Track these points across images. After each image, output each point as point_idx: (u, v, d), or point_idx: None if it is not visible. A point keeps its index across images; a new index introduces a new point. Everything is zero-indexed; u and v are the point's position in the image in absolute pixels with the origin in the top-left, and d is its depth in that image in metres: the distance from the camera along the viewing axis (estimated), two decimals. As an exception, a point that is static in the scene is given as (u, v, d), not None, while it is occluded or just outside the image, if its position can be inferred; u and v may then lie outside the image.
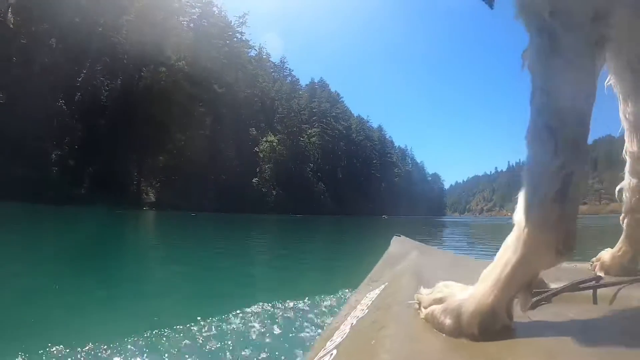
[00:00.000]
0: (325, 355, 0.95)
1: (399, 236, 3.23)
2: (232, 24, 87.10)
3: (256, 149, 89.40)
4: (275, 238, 22.10)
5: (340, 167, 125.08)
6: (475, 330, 0.75)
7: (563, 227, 0.72)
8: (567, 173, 0.70)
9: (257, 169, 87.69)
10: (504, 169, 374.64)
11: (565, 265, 1.33)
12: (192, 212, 46.40)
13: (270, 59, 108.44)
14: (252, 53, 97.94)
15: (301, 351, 3.46)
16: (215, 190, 68.71)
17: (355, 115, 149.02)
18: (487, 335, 0.74)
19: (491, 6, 0.86)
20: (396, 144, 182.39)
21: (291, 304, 5.03)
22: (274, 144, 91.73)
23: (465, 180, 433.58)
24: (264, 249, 15.46)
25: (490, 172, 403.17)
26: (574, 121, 0.71)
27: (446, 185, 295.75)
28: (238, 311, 4.68)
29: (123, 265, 9.64)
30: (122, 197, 51.86)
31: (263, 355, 3.48)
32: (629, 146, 1.25)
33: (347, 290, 5.13)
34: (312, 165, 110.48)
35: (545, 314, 0.88)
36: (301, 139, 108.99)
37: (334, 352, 0.93)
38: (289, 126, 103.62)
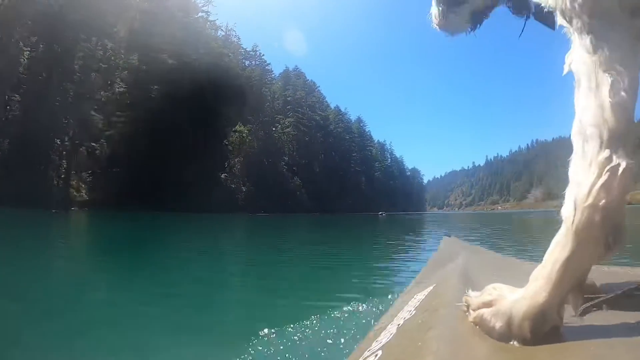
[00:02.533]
0: (370, 355, 0.95)
1: (449, 237, 3.74)
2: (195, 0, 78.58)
3: (225, 141, 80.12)
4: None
5: (317, 161, 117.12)
6: (527, 333, 0.75)
7: (611, 220, 0.72)
8: (613, 166, 0.71)
9: (226, 163, 78.43)
10: (482, 164, 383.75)
11: (618, 269, 1.41)
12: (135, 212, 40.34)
13: (240, 43, 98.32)
14: (219, 34, 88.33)
15: (347, 351, 3.00)
16: (169, 185, 59.18)
17: (332, 107, 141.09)
18: (538, 337, 0.74)
19: (553, 28, 0.89)
20: (374, 138, 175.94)
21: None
22: (244, 134, 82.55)
23: (442, 175, 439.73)
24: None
25: (468, 167, 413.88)
26: (619, 116, 0.72)
27: (424, 181, 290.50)
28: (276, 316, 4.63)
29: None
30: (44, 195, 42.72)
31: (307, 354, 3.29)
32: None
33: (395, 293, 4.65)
34: (286, 158, 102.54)
35: (596, 319, 0.85)
36: (274, 129, 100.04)
37: (379, 352, 0.93)
38: (261, 116, 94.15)
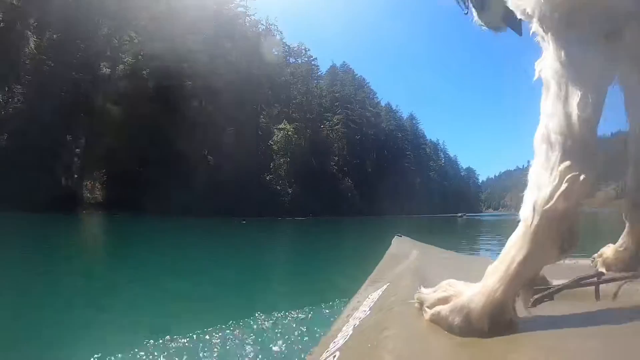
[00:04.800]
0: (328, 357, 0.97)
1: (400, 236, 3.46)
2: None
3: (270, 142, 74.21)
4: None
5: (369, 160, 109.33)
6: (485, 326, 0.78)
7: (567, 225, 0.77)
8: (574, 175, 0.76)
9: (271, 164, 72.37)
10: None
11: (566, 261, 1.43)
12: (172, 216, 37.58)
13: (282, 39, 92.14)
14: (260, 28, 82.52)
15: (303, 354, 3.42)
16: (207, 189, 53.32)
17: (382, 104, 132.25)
18: (496, 330, 0.77)
19: (520, 34, 0.94)
20: (427, 137, 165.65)
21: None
22: (289, 133, 76.14)
23: (497, 175, 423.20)
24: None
25: (524, 165, 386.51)
26: (584, 126, 0.77)
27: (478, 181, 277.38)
28: (239, 319, 4.78)
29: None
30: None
31: (266, 358, 3.49)
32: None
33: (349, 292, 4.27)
34: (336, 158, 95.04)
35: (546, 310, 0.90)
36: (322, 127, 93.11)
37: (337, 353, 0.95)
38: (308, 112, 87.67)
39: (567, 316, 0.87)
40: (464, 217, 75.63)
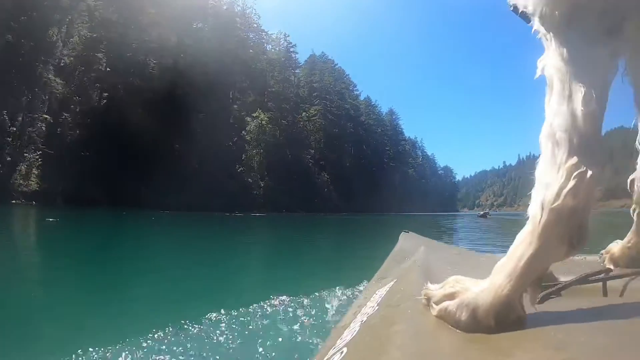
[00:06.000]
0: (335, 353, 0.97)
1: (407, 232, 3.54)
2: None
3: (243, 131, 69.21)
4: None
5: (347, 155, 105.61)
6: (492, 323, 0.79)
7: (576, 222, 0.77)
8: (581, 171, 0.76)
9: (243, 156, 67.50)
10: (513, 163, 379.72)
11: (574, 258, 1.53)
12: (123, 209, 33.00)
13: (260, 23, 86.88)
14: (236, 9, 77.34)
15: (312, 349, 3.43)
16: (169, 179, 48.33)
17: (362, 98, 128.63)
18: (502, 327, 0.78)
19: (528, 21, 0.94)
20: (405, 134, 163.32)
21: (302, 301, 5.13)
22: (263, 122, 71.26)
23: (472, 175, 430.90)
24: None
25: (499, 166, 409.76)
26: (589, 122, 0.78)
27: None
28: (249, 309, 4.80)
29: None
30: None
31: (274, 354, 3.48)
32: None
33: (357, 287, 4.98)
34: (312, 151, 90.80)
35: (555, 306, 0.90)
36: (298, 118, 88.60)
37: (345, 349, 0.95)
38: (284, 102, 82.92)
39: (574, 312, 0.86)
40: (488, 214, 69.26)
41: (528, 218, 0.82)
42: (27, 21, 41.64)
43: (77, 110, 47.64)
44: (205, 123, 59.60)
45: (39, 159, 42.52)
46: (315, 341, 3.52)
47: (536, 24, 0.86)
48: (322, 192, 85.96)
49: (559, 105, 0.80)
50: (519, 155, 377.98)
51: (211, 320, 4.35)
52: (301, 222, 35.08)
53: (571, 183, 0.76)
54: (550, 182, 0.78)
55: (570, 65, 0.81)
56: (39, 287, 7.40)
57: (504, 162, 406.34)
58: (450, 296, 0.87)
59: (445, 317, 0.85)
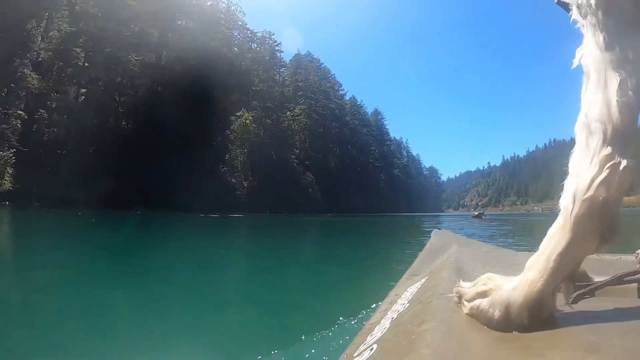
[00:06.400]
0: (365, 349, 0.98)
1: (439, 229, 3.75)
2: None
3: (227, 131, 68.22)
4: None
5: (332, 155, 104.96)
6: (525, 320, 0.78)
7: (609, 214, 0.75)
8: (615, 162, 0.75)
9: (226, 155, 66.48)
10: (498, 164, 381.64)
11: (609, 257, 1.56)
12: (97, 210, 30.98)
13: (244, 18, 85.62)
14: (220, 6, 76.18)
15: (343, 345, 2.74)
16: (150, 179, 47.19)
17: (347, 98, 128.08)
18: (535, 325, 0.78)
19: (568, 10, 0.92)
20: (390, 134, 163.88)
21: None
22: (247, 121, 70.25)
23: (457, 175, 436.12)
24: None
25: (483, 167, 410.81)
26: (625, 115, 0.76)
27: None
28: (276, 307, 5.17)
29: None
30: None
31: (305, 348, 3.51)
32: None
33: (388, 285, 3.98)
34: (297, 151, 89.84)
35: (588, 306, 0.89)
36: (283, 117, 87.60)
37: (375, 346, 0.96)
38: (268, 101, 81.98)
39: (608, 313, 0.85)
40: (483, 214, 63.74)
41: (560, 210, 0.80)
42: (3, 15, 40.18)
43: (54, 106, 46.10)
44: (188, 121, 58.47)
45: (13, 157, 40.81)
46: (346, 337, 3.39)
47: (574, 12, 0.85)
48: (307, 193, 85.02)
49: (594, 95, 0.79)
50: (503, 156, 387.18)
51: (236, 316, 4.55)
52: (279, 225, 32.87)
53: (604, 174, 0.75)
54: (583, 172, 0.77)
55: (606, 53, 0.78)
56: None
57: (489, 162, 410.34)
58: (483, 294, 0.86)
59: (477, 315, 0.85)
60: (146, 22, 52.95)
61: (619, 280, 0.98)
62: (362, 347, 1.01)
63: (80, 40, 49.23)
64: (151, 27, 54.47)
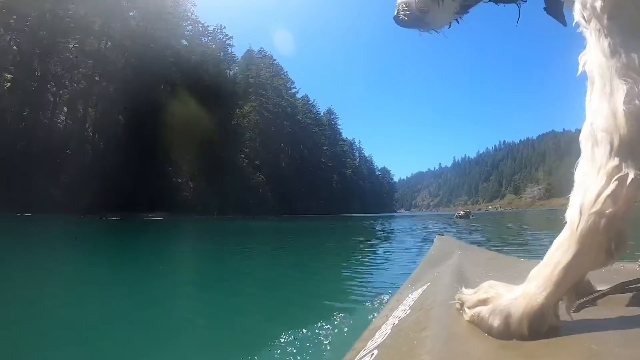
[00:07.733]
0: (366, 355, 0.98)
1: (442, 235, 3.71)
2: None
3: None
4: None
5: (283, 154, 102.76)
6: (525, 331, 0.78)
7: (615, 229, 0.74)
8: (622, 175, 0.73)
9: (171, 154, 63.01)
10: (449, 165, 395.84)
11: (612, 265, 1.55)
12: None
13: (194, 10, 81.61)
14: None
15: (342, 350, 2.56)
16: (89, 179, 43.46)
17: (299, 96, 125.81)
18: (536, 336, 0.77)
19: (564, 23, 0.92)
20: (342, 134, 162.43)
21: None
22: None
23: (409, 176, 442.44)
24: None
25: (435, 168, 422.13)
26: (631, 124, 0.73)
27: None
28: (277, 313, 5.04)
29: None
30: None
31: (304, 353, 3.39)
32: None
33: (389, 291, 5.08)
34: (247, 150, 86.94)
35: (591, 315, 0.89)
36: (232, 114, 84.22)
37: (375, 352, 0.96)
38: (217, 97, 78.60)
39: (611, 322, 0.84)
40: (469, 214, 52.67)
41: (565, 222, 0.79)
42: None
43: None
44: (130, 116, 54.76)
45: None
46: (346, 342, 2.81)
47: (577, 17, 0.83)
48: (257, 193, 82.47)
49: (600, 103, 0.77)
50: (454, 157, 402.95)
51: (236, 319, 4.66)
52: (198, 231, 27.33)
53: (611, 187, 0.73)
54: (590, 185, 0.76)
55: (611, 60, 0.76)
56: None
57: (440, 163, 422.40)
58: (484, 302, 0.85)
59: (477, 323, 0.84)
60: (87, 6, 48.80)
61: (622, 288, 0.98)
62: (362, 353, 1.01)
63: (12, 20, 44.51)
64: (93, 12, 50.34)
